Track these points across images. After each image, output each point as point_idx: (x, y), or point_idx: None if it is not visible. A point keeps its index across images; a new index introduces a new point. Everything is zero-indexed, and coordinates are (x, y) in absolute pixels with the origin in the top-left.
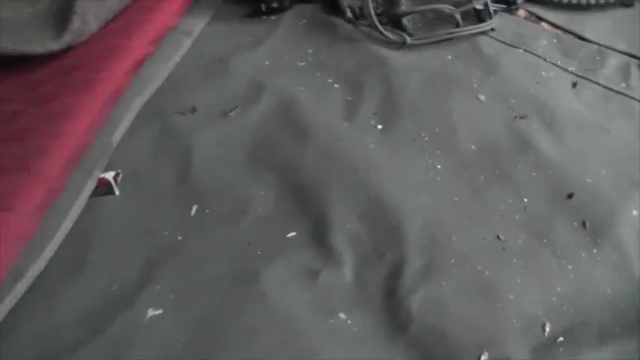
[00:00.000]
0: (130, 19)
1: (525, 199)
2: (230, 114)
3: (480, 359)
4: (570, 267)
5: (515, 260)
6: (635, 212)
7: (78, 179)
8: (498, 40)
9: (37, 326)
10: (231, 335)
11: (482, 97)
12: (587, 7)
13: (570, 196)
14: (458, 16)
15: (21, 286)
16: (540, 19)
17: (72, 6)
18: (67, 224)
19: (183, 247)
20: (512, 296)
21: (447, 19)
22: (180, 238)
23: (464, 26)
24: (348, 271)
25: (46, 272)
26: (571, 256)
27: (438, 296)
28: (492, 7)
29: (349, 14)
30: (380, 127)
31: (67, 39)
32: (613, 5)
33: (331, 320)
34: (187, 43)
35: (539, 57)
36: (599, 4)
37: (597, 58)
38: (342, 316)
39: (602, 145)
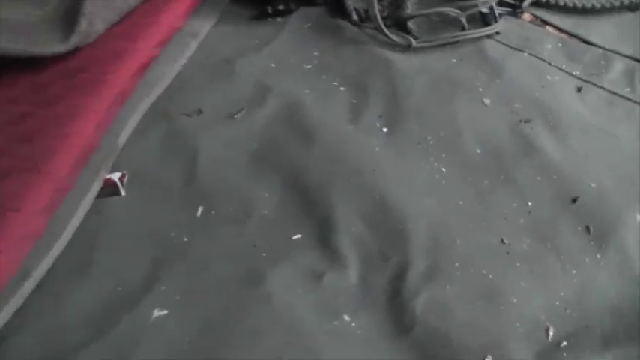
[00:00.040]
0: (137, 22)
1: (530, 203)
2: (236, 116)
3: None
4: (574, 271)
5: (519, 264)
6: (639, 217)
7: (84, 180)
8: (503, 44)
9: (44, 325)
10: (237, 336)
11: (487, 101)
12: (593, 11)
13: (574, 200)
14: (463, 20)
15: (28, 285)
16: (545, 22)
17: (79, 8)
18: (74, 224)
19: (189, 249)
20: (515, 300)
21: (453, 23)
22: (185, 239)
23: (469, 30)
24: (352, 274)
25: (53, 272)
26: (575, 261)
27: (442, 299)
28: (498, 10)
29: (355, 17)
30: (385, 130)
31: (74, 41)
32: (618, 9)
33: (335, 322)
34: (193, 44)
35: (544, 61)
36: (605, 8)
37: (602, 62)
38: (346, 317)
39: (606, 149)
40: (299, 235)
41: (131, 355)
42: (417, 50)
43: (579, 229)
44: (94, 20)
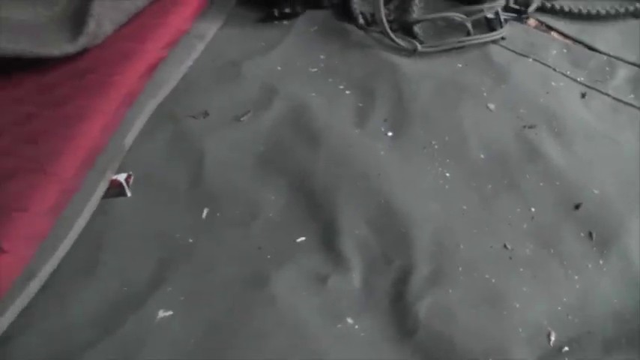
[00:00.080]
0: (145, 23)
1: (533, 209)
2: (242, 118)
3: None
4: (576, 277)
5: (521, 269)
6: None
7: (91, 180)
8: (509, 49)
9: (49, 325)
10: (241, 338)
11: (491, 106)
12: (598, 18)
13: (577, 206)
14: (469, 25)
15: (34, 286)
16: (551, 28)
17: (87, 9)
18: (80, 225)
19: (194, 250)
20: (518, 305)
21: (458, 28)
22: (191, 240)
23: (475, 35)
24: (356, 277)
25: (59, 272)
26: (577, 267)
27: (445, 303)
28: (503, 16)
29: (361, 20)
30: (390, 134)
31: (82, 42)
32: (624, 16)
33: (339, 325)
34: (200, 46)
35: (549, 67)
36: (610, 15)
37: (607, 68)
38: (349, 320)
39: (610, 156)
40: (303, 238)
41: (136, 355)
42: (422, 55)
43: (582, 235)
44: (102, 21)
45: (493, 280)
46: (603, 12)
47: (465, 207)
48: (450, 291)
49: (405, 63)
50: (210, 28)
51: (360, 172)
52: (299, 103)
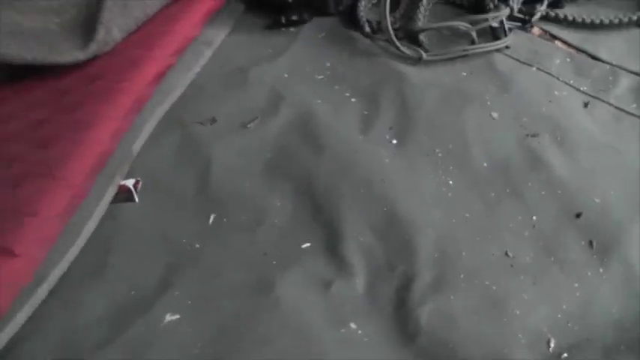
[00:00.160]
0: (153, 30)
1: (534, 217)
2: (249, 125)
3: None
4: (577, 285)
5: (522, 277)
6: None
7: (99, 186)
8: (513, 58)
9: (58, 329)
10: (247, 342)
11: (495, 115)
12: (601, 27)
13: (578, 215)
14: (473, 34)
15: (43, 290)
16: (554, 37)
17: (97, 16)
18: (89, 229)
19: (201, 255)
20: (518, 312)
21: (463, 36)
22: (198, 246)
23: (479, 43)
24: (360, 282)
25: (68, 276)
26: (578, 275)
27: (447, 309)
28: (508, 24)
29: (367, 28)
30: (395, 141)
31: (93, 49)
32: (627, 25)
33: (343, 330)
34: (208, 53)
35: (553, 76)
36: (613, 24)
37: (610, 78)
38: (353, 325)
39: (612, 165)
40: (308, 244)
41: (144, 358)
42: (427, 63)
43: (583, 243)
44: (112, 29)
45: (494, 287)
46: (607, 21)
47: (467, 214)
48: (452, 297)
49: (410, 71)
50: (218, 35)
51: (364, 179)
52: (305, 110)
